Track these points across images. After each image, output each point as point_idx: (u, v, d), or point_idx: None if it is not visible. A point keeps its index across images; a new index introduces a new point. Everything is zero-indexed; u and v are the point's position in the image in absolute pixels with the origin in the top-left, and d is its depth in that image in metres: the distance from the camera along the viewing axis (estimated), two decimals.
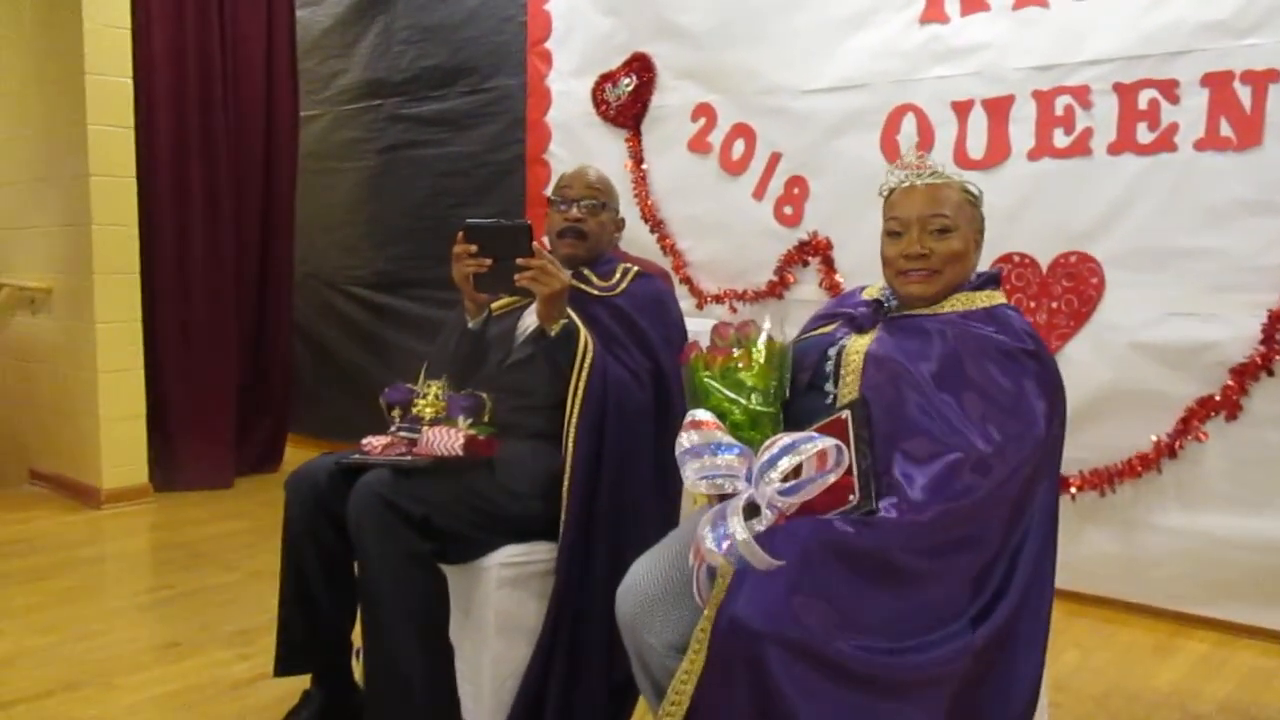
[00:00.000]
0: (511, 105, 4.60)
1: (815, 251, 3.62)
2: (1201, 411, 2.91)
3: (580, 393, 2.04)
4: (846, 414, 1.63)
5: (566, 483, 2.03)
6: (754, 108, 3.80)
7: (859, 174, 3.45)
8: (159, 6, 4.32)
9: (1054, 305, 3.14)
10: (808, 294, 3.62)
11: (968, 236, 1.80)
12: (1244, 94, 2.83)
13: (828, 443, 1.53)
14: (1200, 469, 2.94)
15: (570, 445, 2.04)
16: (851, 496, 1.54)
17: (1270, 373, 2.81)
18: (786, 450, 1.53)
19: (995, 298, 1.80)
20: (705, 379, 1.76)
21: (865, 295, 1.94)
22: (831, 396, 1.74)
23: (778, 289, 3.73)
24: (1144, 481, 3.02)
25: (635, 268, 2.34)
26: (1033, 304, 3.17)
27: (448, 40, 4.86)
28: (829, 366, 1.78)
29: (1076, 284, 3.11)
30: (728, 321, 1.87)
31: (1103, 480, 3.06)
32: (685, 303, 3.88)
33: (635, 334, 2.20)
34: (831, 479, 1.53)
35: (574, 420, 2.04)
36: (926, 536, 1.53)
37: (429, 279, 4.87)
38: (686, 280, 3.96)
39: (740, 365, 1.78)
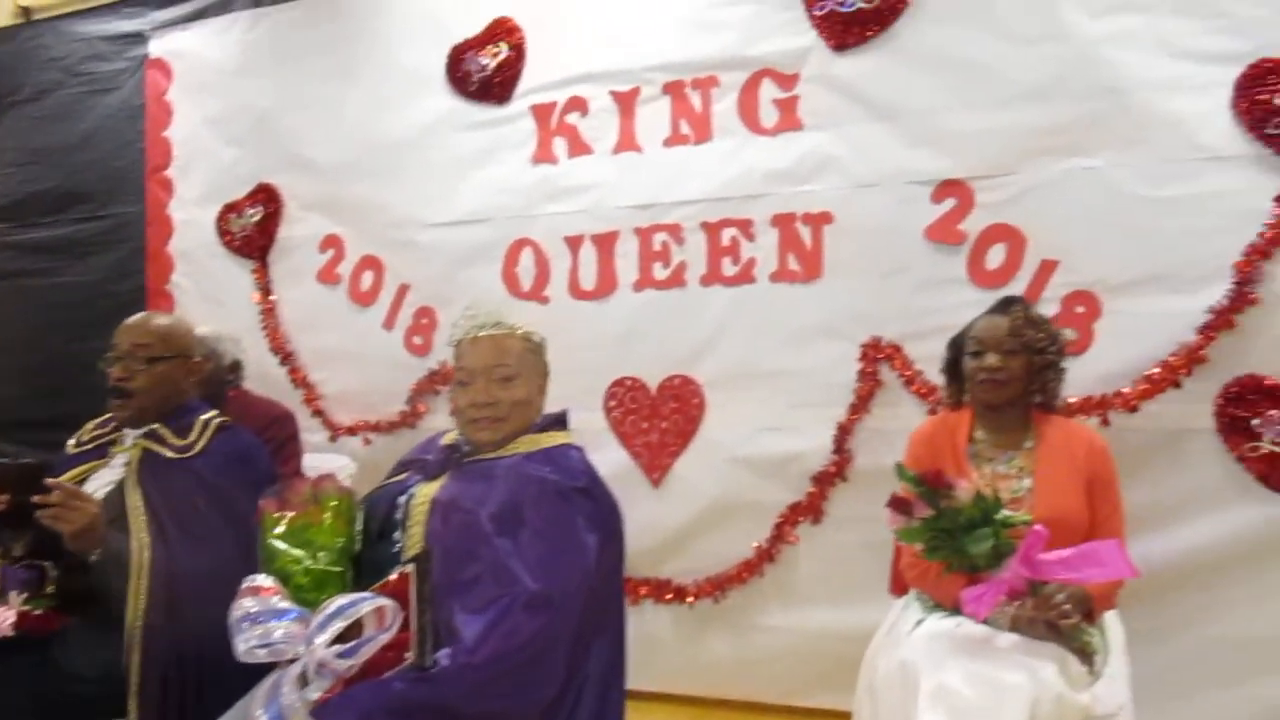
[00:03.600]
0: (131, 233, 4.38)
1: (445, 380, 3.68)
2: (792, 516, 3.20)
3: (143, 603, 1.94)
4: (410, 568, 1.66)
5: (136, 675, 1.92)
6: (382, 240, 3.85)
7: (484, 304, 3.57)
8: None
9: (664, 425, 3.37)
10: (440, 423, 3.64)
11: (531, 382, 1.92)
12: (805, 233, 3.22)
13: (382, 601, 1.55)
14: (795, 570, 3.21)
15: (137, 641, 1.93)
16: (407, 654, 1.56)
17: (844, 479, 3.14)
18: (339, 613, 1.54)
19: (559, 438, 1.91)
20: (271, 541, 1.74)
21: (444, 441, 2.00)
22: (399, 545, 1.77)
23: (410, 419, 3.74)
24: (750, 586, 3.25)
25: (217, 419, 2.26)
26: (645, 424, 3.39)
27: (60, 164, 4.57)
28: (398, 515, 1.82)
29: (682, 404, 3.35)
30: (307, 476, 1.87)
31: (715, 587, 3.28)
32: (318, 435, 3.82)
33: (218, 501, 2.12)
34: (386, 637, 1.55)
35: (138, 629, 1.93)
36: (483, 680, 1.57)
37: (41, 420, 4.45)
38: (319, 413, 3.88)
39: (311, 522, 1.77)
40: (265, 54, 4.11)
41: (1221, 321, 2.73)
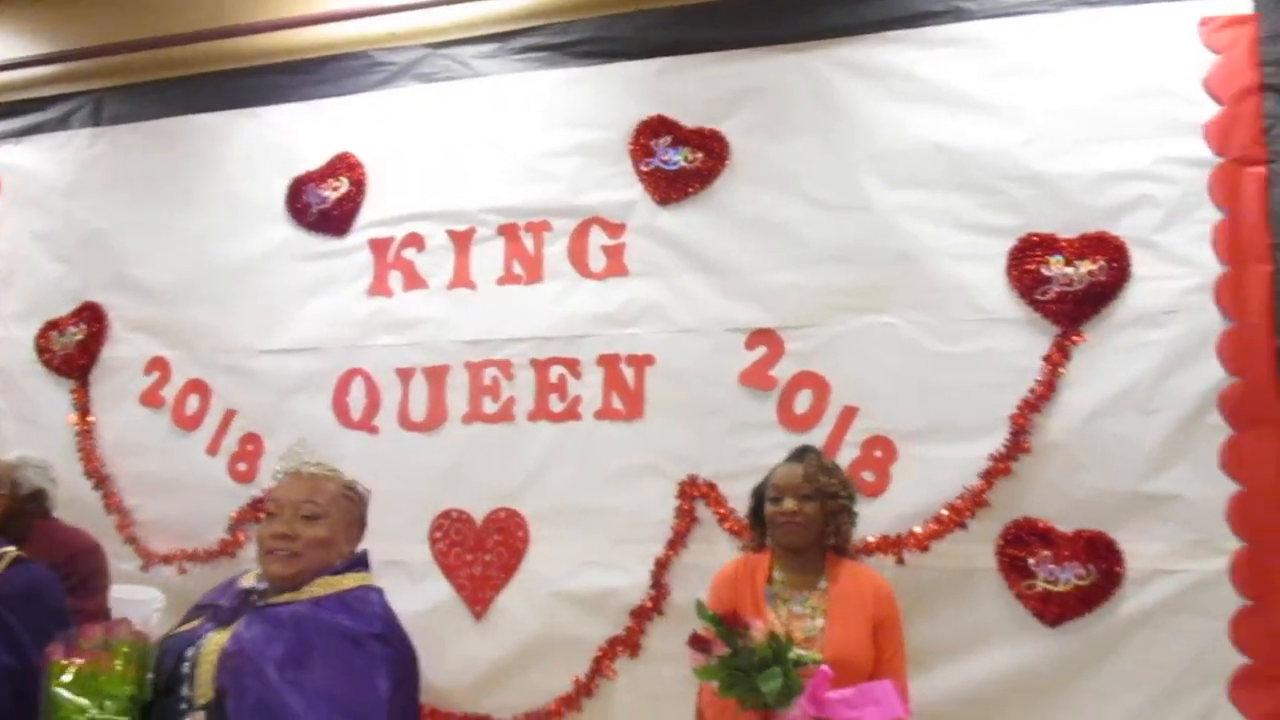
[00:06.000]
0: None
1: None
2: (611, 651, 3.25)
3: None
4: (200, 716, 1.66)
5: None
6: (211, 364, 3.82)
7: (312, 432, 3.54)
8: None
9: (487, 558, 3.40)
10: None
11: (336, 525, 1.96)
12: (629, 374, 3.37)
13: None
14: (612, 704, 3.25)
15: None
16: None
17: (660, 613, 3.23)
18: None
19: (358, 579, 1.94)
20: (55, 689, 1.71)
21: (243, 583, 2.00)
22: (185, 702, 1.75)
23: (230, 547, 3.66)
24: None
25: (12, 552, 2.22)
26: (469, 557, 3.41)
27: None
28: (186, 667, 1.80)
29: (506, 538, 3.40)
30: (100, 624, 1.85)
31: None
32: (129, 564, 3.69)
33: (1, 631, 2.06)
34: None
35: None
36: None
37: None
38: (132, 540, 3.75)
39: (101, 669, 1.75)
40: (100, 173, 4.09)
41: (1000, 468, 2.98)
